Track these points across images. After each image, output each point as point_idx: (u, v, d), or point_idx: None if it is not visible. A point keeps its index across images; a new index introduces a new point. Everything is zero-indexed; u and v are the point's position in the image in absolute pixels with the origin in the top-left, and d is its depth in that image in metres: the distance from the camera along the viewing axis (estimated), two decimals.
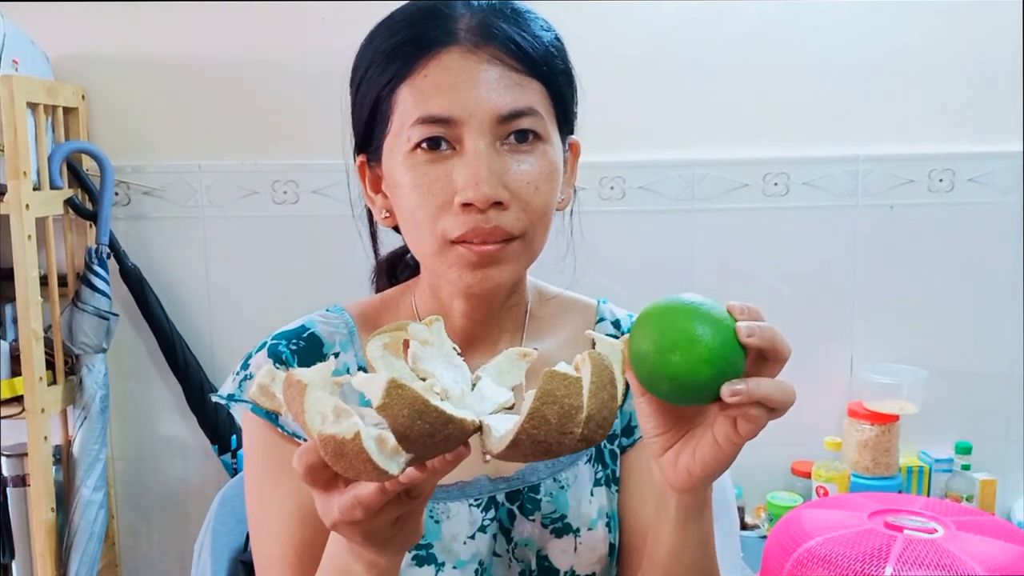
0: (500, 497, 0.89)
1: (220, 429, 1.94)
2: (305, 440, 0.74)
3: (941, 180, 1.99)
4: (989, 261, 2.01)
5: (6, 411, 1.77)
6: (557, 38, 0.86)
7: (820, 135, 2.00)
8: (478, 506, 0.88)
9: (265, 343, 0.90)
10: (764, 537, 1.81)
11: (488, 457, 0.61)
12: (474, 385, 0.67)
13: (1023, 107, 1.94)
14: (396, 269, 1.01)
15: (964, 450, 1.96)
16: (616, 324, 0.98)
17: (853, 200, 2.00)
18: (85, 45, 1.95)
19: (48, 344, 1.82)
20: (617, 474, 0.94)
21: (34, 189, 1.75)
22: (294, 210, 1.98)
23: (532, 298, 0.96)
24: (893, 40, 1.97)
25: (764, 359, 0.66)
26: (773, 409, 0.65)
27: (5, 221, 1.72)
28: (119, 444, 2.03)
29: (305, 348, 0.89)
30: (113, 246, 1.91)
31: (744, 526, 1.93)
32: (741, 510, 1.93)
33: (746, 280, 2.01)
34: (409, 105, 0.80)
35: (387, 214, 0.88)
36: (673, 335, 0.64)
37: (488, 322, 0.91)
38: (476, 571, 0.87)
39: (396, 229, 0.91)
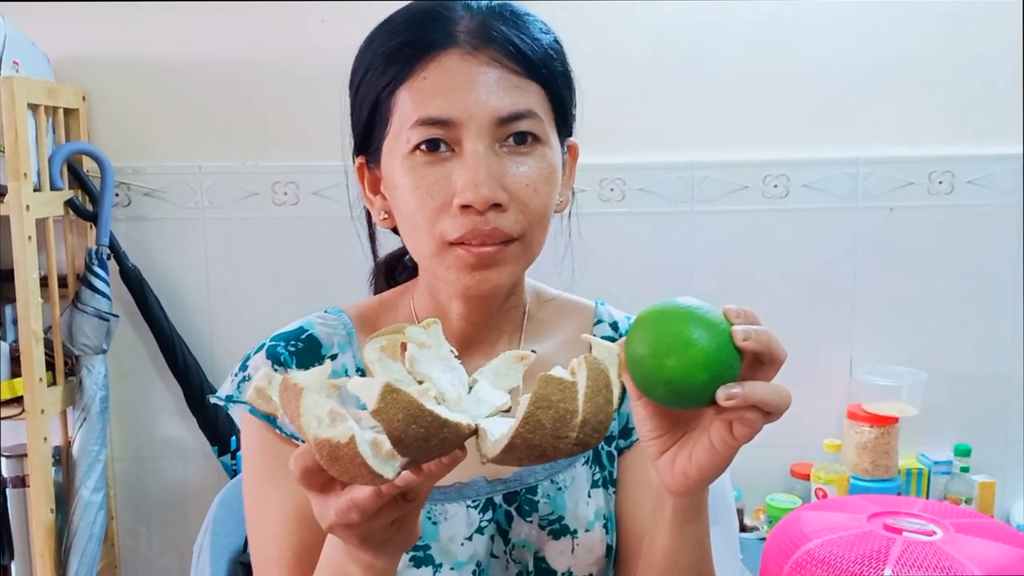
0: (498, 498, 0.89)
1: (220, 430, 1.95)
2: (303, 442, 0.74)
3: (941, 182, 1.99)
4: (989, 263, 2.00)
5: (6, 412, 1.78)
6: (556, 40, 0.86)
7: (820, 137, 2.00)
8: (476, 507, 0.88)
9: (263, 344, 0.90)
10: (763, 539, 1.81)
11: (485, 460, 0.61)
12: (471, 388, 0.67)
13: (1023, 109, 1.94)
14: (394, 271, 1.01)
15: (963, 452, 1.96)
16: (614, 326, 0.98)
17: (853, 202, 2.00)
18: (86, 46, 1.95)
19: (48, 345, 1.82)
20: (614, 476, 0.94)
21: (34, 190, 1.75)
22: (294, 211, 1.98)
23: (530, 300, 0.96)
24: (893, 42, 1.97)
25: (760, 363, 0.66)
26: (769, 413, 0.66)
27: (5, 222, 1.72)
28: (119, 445, 2.04)
29: (303, 350, 0.89)
30: (113, 247, 1.91)
31: (743, 528, 1.93)
32: (740, 512, 1.93)
33: (746, 282, 2.01)
34: (408, 107, 0.80)
35: (386, 215, 0.88)
36: (669, 339, 0.64)
37: (486, 324, 0.91)
38: (474, 572, 0.87)
39: (395, 231, 0.91)
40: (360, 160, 0.89)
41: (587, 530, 0.91)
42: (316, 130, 1.90)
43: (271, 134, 1.98)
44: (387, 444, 0.56)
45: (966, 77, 1.98)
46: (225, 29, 1.95)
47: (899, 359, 2.00)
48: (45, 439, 1.79)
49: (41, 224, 1.80)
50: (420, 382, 0.65)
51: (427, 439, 0.56)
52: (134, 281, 1.93)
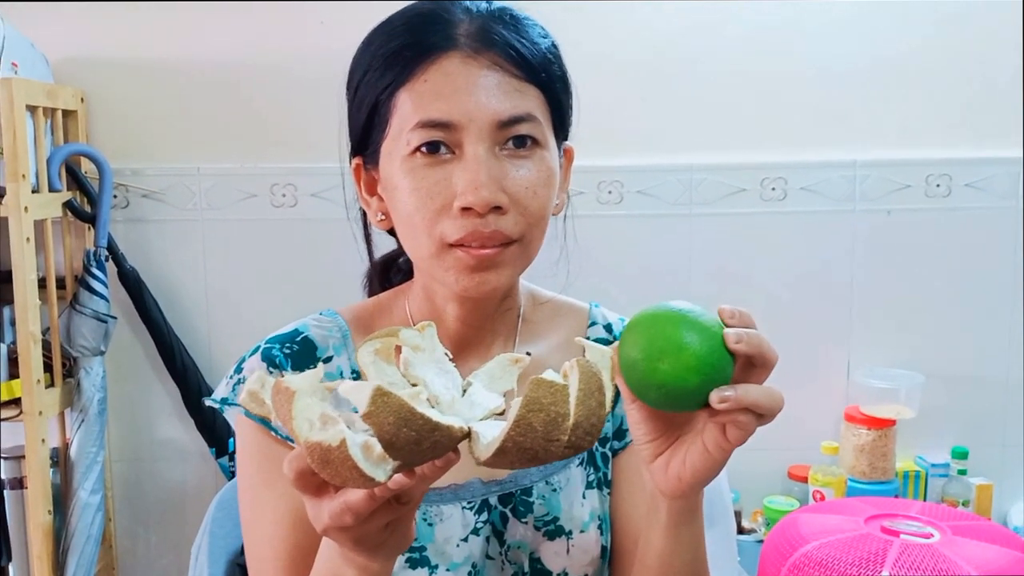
0: (493, 500, 0.90)
1: (218, 432, 1.95)
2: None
3: (938, 185, 1.99)
4: (986, 266, 2.01)
5: (4, 413, 1.78)
6: (554, 44, 0.86)
7: (818, 140, 2.00)
8: (471, 509, 0.88)
9: (258, 347, 0.90)
10: (761, 541, 1.81)
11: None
12: (465, 391, 0.67)
13: (1022, 112, 1.94)
14: (389, 272, 1.01)
15: (961, 455, 1.96)
16: (608, 328, 0.98)
17: (851, 205, 2.00)
18: (85, 48, 1.95)
19: (46, 346, 1.82)
20: (609, 477, 0.94)
21: (33, 192, 1.75)
22: (292, 213, 1.98)
23: (525, 302, 0.96)
24: (891, 45, 1.97)
25: (752, 365, 0.67)
26: (762, 415, 0.66)
27: (4, 223, 1.72)
28: (117, 447, 2.04)
29: (298, 352, 0.89)
30: (111, 249, 1.91)
31: (741, 530, 1.93)
32: (738, 514, 1.93)
33: (744, 284, 2.01)
34: (409, 109, 0.80)
35: (382, 217, 0.88)
36: (661, 343, 0.64)
37: (481, 326, 0.91)
38: (469, 573, 0.87)
39: (391, 232, 0.91)
40: (357, 161, 0.89)
41: (582, 531, 0.91)
42: (315, 132, 1.89)
43: (270, 136, 1.98)
44: (378, 447, 0.56)
45: (964, 80, 1.98)
46: (224, 30, 1.95)
47: (897, 362, 2.00)
48: (43, 440, 1.79)
49: (39, 225, 1.80)
50: (414, 385, 0.65)
51: (418, 442, 0.56)
52: (132, 282, 1.93)
